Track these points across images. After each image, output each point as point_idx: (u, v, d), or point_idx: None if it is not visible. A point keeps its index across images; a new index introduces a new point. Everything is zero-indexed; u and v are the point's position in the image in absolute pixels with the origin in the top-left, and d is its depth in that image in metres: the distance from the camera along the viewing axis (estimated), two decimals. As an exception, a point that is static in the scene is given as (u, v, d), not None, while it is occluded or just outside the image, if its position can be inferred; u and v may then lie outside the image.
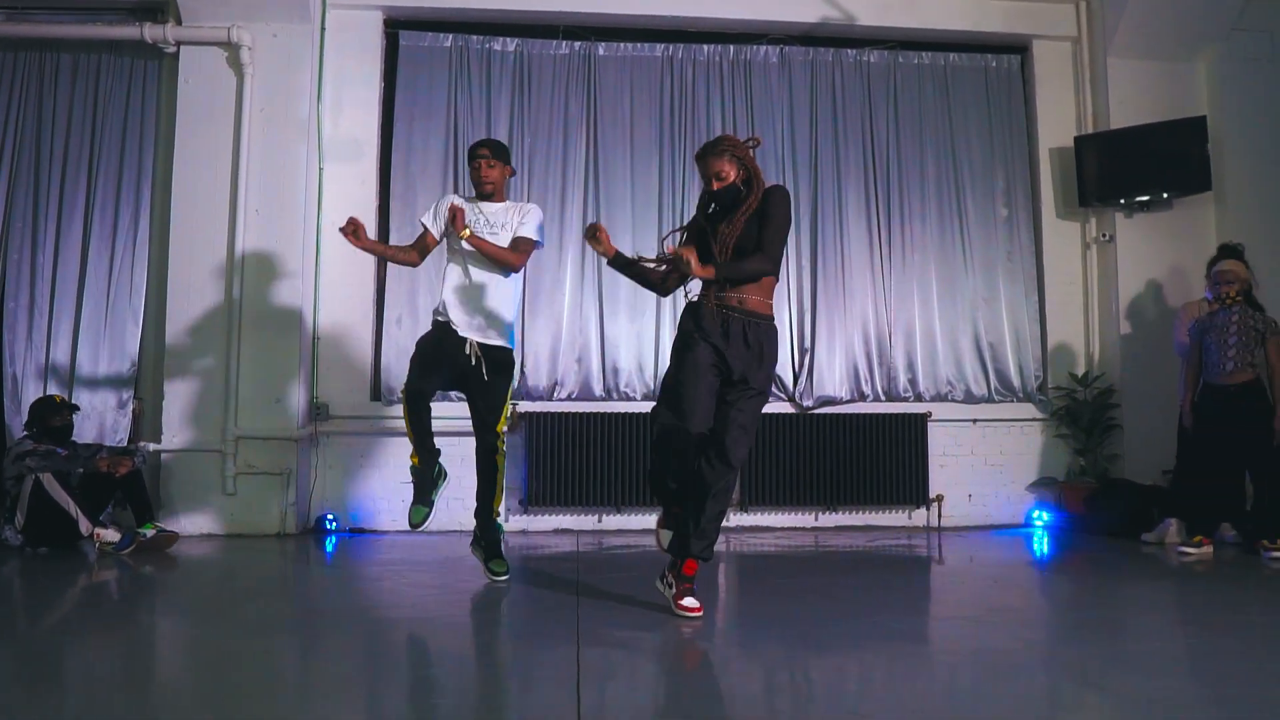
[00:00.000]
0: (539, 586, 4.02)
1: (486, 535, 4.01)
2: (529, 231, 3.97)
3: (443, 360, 3.88)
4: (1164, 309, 6.13)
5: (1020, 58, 6.57)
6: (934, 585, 4.52)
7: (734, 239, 3.32)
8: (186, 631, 3.29)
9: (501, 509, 4.10)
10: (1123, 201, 6.13)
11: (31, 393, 5.51)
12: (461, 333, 3.89)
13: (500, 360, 3.95)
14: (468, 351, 3.88)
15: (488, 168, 3.99)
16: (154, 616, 3.65)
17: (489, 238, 3.90)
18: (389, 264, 5.94)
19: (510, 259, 3.91)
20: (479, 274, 3.92)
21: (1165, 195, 6.10)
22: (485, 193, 4.03)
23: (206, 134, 5.61)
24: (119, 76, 5.84)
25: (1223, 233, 6.04)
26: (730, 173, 3.35)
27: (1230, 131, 6.15)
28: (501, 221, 3.98)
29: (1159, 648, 3.04)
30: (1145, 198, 6.09)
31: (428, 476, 3.97)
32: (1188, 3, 6.02)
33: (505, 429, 4.04)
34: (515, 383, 3.85)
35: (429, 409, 3.92)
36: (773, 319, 3.42)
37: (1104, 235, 6.29)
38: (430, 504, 3.96)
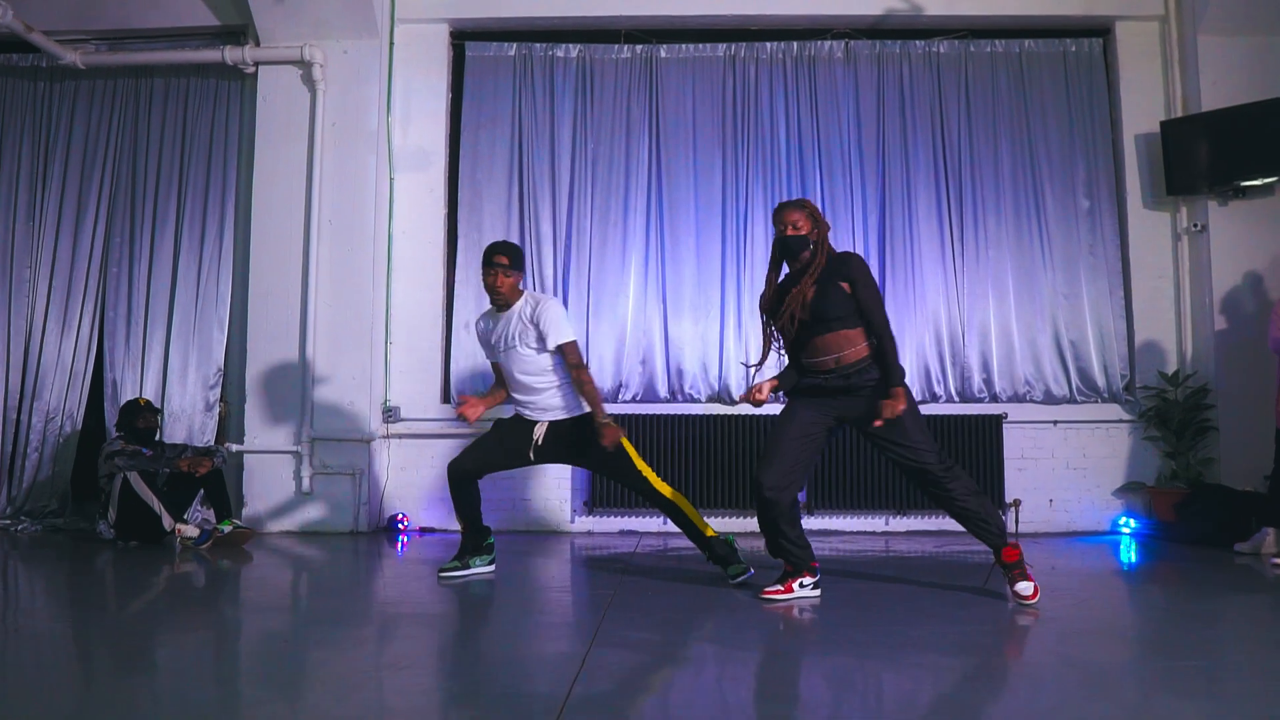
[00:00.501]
0: (585, 587, 4.04)
1: (714, 553, 4.07)
2: (564, 336, 4.02)
3: (504, 442, 4.16)
4: (1264, 302, 5.73)
5: (1102, 40, 6.26)
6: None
7: (808, 304, 3.52)
8: (255, 623, 3.43)
9: (708, 528, 4.13)
10: (1217, 188, 5.77)
11: (129, 396, 5.86)
12: (532, 417, 4.13)
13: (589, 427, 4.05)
14: (535, 435, 4.10)
15: (504, 277, 4.01)
16: (222, 608, 3.82)
17: (510, 350, 4.05)
18: (456, 271, 6.12)
19: (592, 395, 4.03)
20: (525, 378, 4.07)
21: (1266, 180, 5.71)
22: (498, 304, 4.12)
23: (283, 149, 5.87)
24: (205, 98, 6.17)
25: (1327, 220, 5.62)
26: (805, 226, 3.59)
27: (1337, 110, 5.71)
28: (518, 332, 4.04)
29: (1240, 664, 2.84)
30: (1242, 184, 5.71)
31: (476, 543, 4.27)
32: (1286, -28, 5.64)
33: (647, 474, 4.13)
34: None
35: (471, 490, 4.18)
36: None
37: (1195, 225, 5.93)
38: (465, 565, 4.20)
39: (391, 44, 6.08)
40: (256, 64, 5.91)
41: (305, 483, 5.71)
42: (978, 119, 6.15)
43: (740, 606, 3.54)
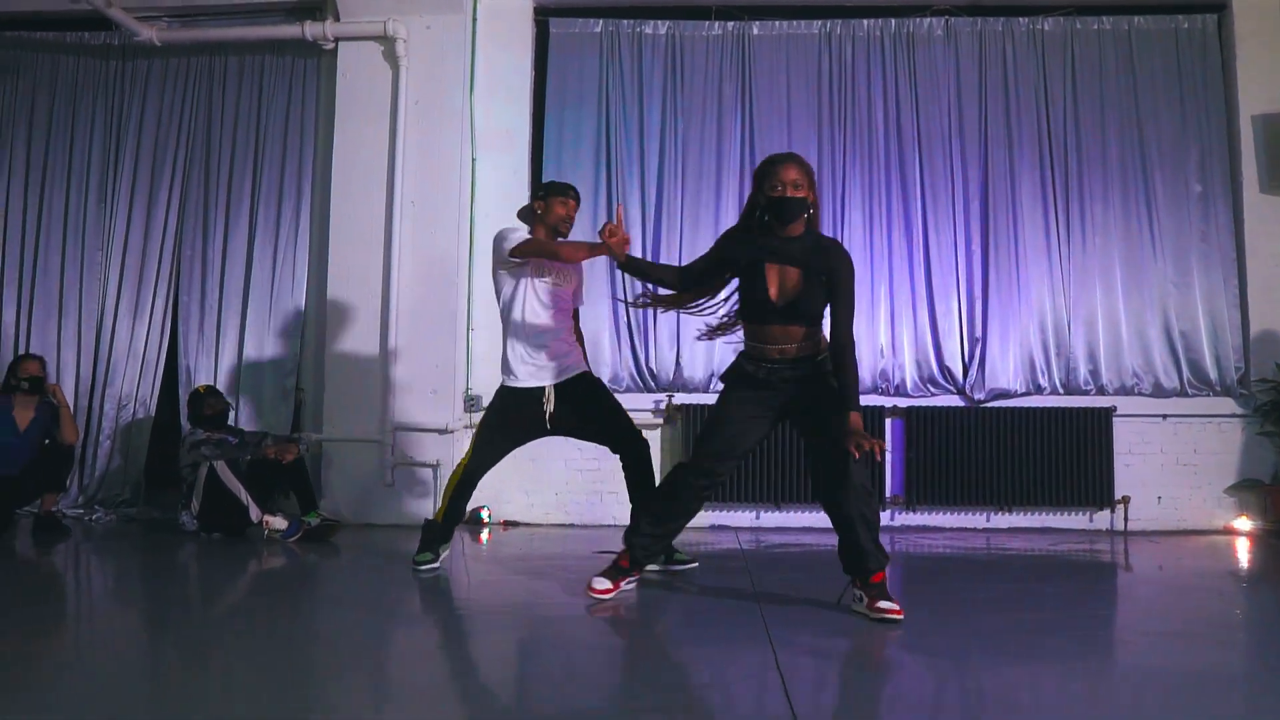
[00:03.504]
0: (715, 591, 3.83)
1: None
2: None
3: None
4: (1394, 292, 5.47)
5: (1217, 17, 5.97)
6: (1120, 595, 4.11)
7: (786, 290, 3.12)
8: (345, 619, 3.23)
9: None
10: (1341, 173, 5.50)
11: (203, 382, 5.68)
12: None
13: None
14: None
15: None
16: (316, 604, 3.64)
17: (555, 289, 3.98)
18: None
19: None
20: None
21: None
22: (565, 232, 4.02)
23: (364, 128, 5.67)
24: (281, 75, 5.97)
25: None
26: (805, 189, 3.10)
27: None
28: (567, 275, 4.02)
29: None
30: (1369, 168, 5.44)
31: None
32: None
33: None
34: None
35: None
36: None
37: (1317, 211, 5.66)
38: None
39: (474, 19, 5.86)
40: (337, 39, 5.71)
41: (387, 474, 5.52)
42: (1084, 100, 5.88)
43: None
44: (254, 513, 4.90)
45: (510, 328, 3.93)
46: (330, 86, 5.82)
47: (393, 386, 5.57)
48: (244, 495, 4.89)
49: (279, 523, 4.91)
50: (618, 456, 3.98)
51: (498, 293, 4.00)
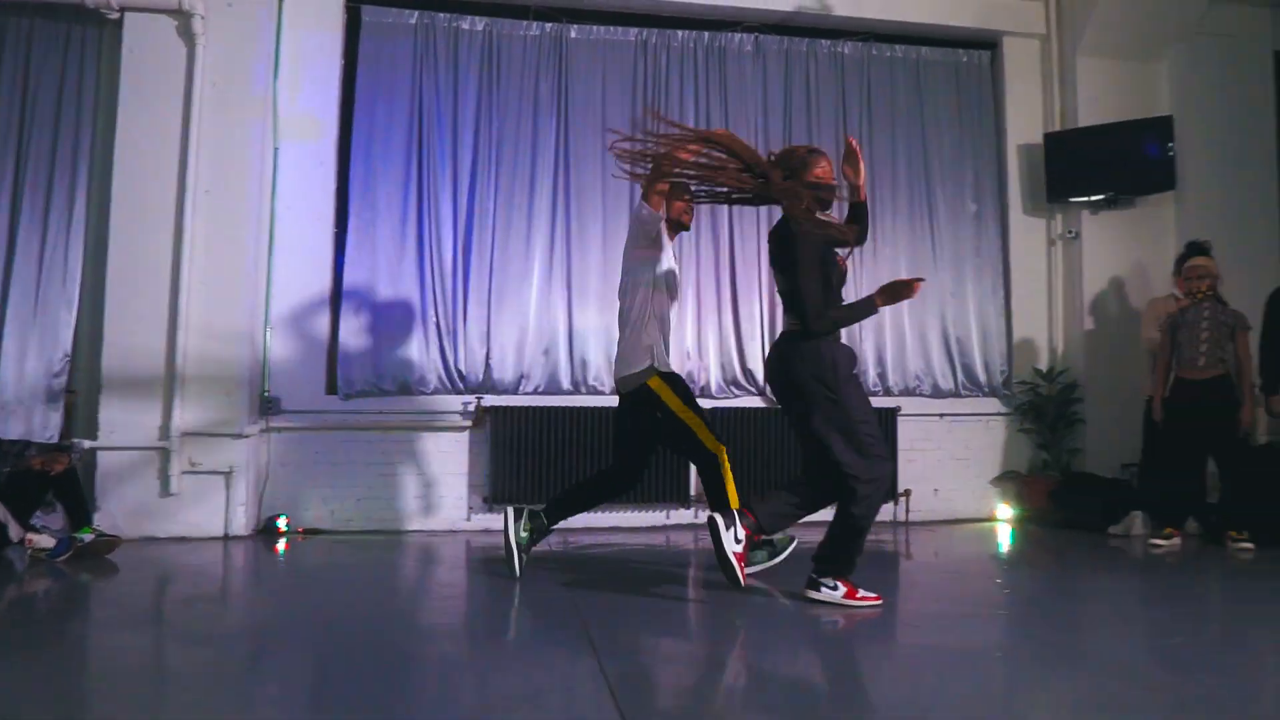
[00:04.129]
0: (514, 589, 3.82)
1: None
2: None
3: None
4: (1126, 305, 6.22)
5: (991, 54, 6.58)
6: (903, 580, 4.45)
7: (842, 274, 3.60)
8: (126, 645, 2.98)
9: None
10: (1088, 199, 6.19)
11: (-47, 384, 5.06)
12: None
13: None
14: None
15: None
16: (91, 629, 3.33)
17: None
18: (346, 251, 5.67)
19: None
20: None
21: (1130, 194, 6.18)
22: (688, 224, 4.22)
23: (152, 109, 5.22)
24: (53, 44, 5.38)
25: (1183, 231, 6.14)
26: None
27: (1192, 132, 6.26)
28: None
29: (1112, 642, 3.01)
30: (1110, 195, 6.15)
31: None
32: (1154, 3, 6.10)
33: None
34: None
35: None
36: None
37: (1069, 232, 6.35)
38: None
39: (282, 1, 5.55)
40: (122, 9, 5.21)
41: (172, 483, 5.12)
42: (878, 120, 6.32)
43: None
44: (14, 531, 4.41)
45: (649, 314, 3.95)
46: (113, 61, 5.30)
47: (180, 388, 5.17)
48: (1, 512, 4.39)
49: (45, 541, 4.44)
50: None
51: (635, 278, 3.98)
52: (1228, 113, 6.32)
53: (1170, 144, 6.04)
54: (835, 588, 3.38)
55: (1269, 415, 5.11)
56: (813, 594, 3.40)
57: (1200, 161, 6.24)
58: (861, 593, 3.37)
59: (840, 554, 3.39)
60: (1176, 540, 4.97)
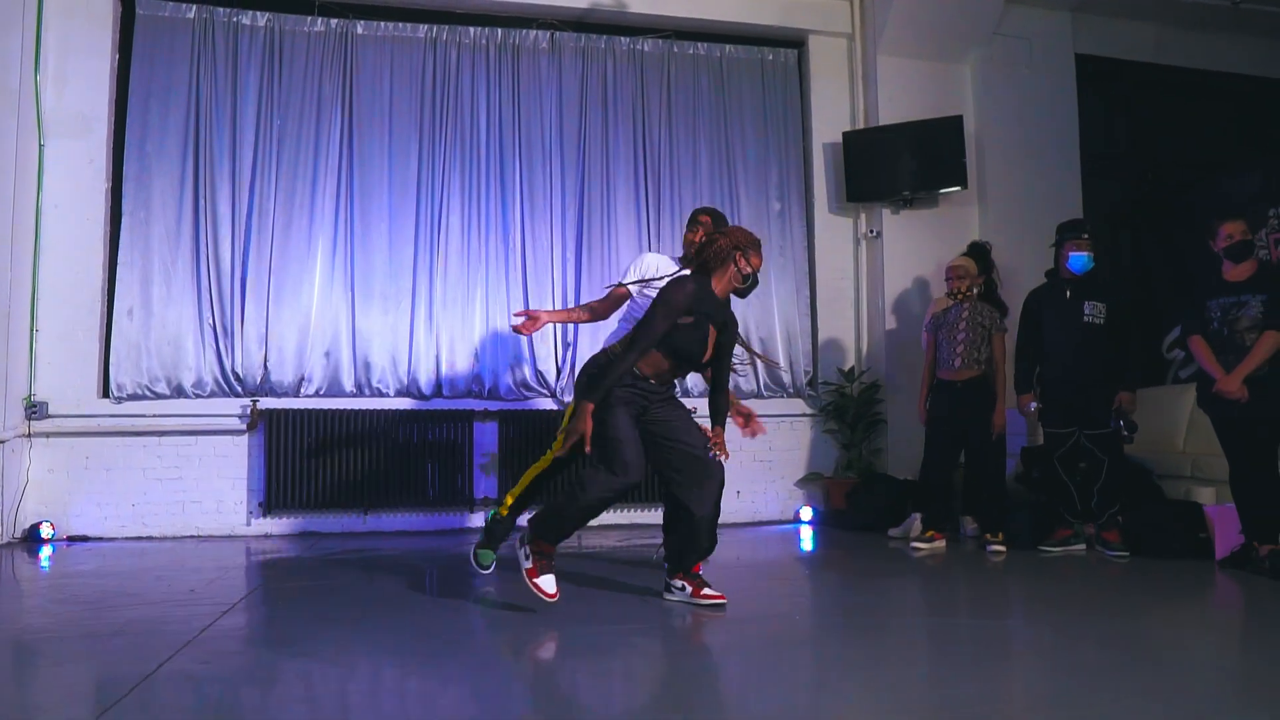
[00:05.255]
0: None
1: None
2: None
3: None
4: (928, 305, 6.20)
5: (797, 52, 6.55)
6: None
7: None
8: None
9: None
10: (890, 198, 6.18)
11: None
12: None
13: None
14: None
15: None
16: None
17: None
18: (120, 252, 5.53)
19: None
20: None
21: (923, 191, 6.17)
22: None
23: (-107, 102, 5.08)
24: None
25: (984, 230, 6.15)
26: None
27: (991, 132, 6.27)
28: None
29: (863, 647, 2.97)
30: (906, 194, 6.14)
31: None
32: (951, 4, 6.09)
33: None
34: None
35: None
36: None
37: (872, 231, 6.33)
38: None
39: (41, -8, 5.41)
40: None
41: (-81, 488, 4.99)
42: (679, 119, 6.27)
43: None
44: None
45: None
46: None
47: (-72, 392, 5.03)
48: None
49: None
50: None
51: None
52: (1031, 113, 6.33)
53: (961, 142, 6.02)
54: (527, 557, 3.23)
55: (1020, 415, 5.10)
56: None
57: (1000, 162, 6.26)
58: (542, 580, 3.19)
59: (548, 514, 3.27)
60: (939, 543, 4.94)
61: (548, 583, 3.17)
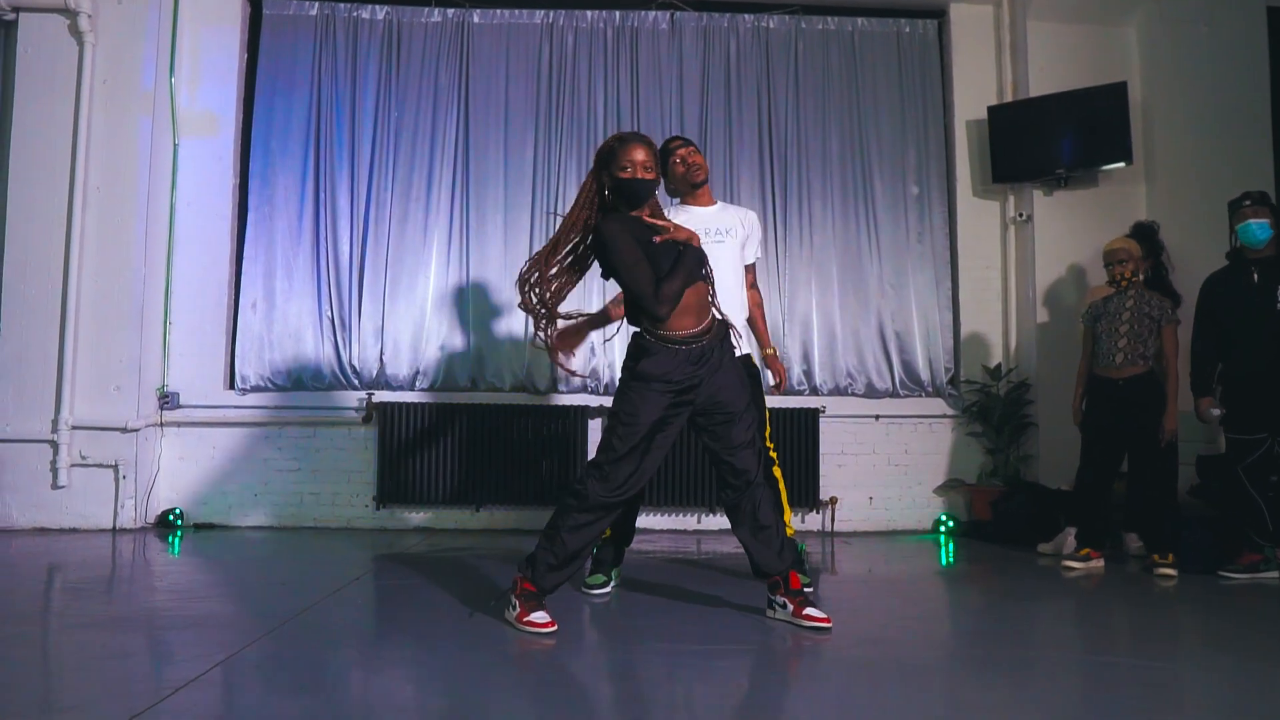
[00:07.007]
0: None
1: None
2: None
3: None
4: (1084, 296, 5.57)
5: (937, 23, 6.03)
6: (825, 597, 4.02)
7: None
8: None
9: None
10: (1042, 177, 5.58)
11: None
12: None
13: None
14: None
15: (695, 154, 3.62)
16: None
17: (714, 245, 3.48)
18: (245, 246, 5.65)
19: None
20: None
21: (1080, 169, 5.54)
22: (697, 181, 3.63)
23: (45, 106, 5.31)
24: (-41, 45, 5.57)
25: (1152, 210, 5.49)
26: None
27: (1161, 100, 5.57)
28: (726, 227, 3.59)
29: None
30: (1060, 173, 5.53)
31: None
32: (1114, -42, 5.45)
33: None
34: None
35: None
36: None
37: (1021, 215, 5.74)
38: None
39: (177, -3, 5.58)
40: (16, 10, 5.34)
41: (61, 475, 5.20)
42: (806, 99, 5.87)
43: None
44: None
45: None
46: (12, 62, 5.45)
47: (71, 382, 5.24)
48: None
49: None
50: None
51: None
52: (1210, 76, 5.56)
53: (1126, 112, 5.36)
54: (513, 606, 2.98)
55: (1199, 421, 4.42)
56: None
57: (1172, 133, 5.54)
58: (533, 616, 2.91)
59: (538, 550, 3.00)
60: (1096, 563, 4.37)
61: (540, 617, 2.89)
